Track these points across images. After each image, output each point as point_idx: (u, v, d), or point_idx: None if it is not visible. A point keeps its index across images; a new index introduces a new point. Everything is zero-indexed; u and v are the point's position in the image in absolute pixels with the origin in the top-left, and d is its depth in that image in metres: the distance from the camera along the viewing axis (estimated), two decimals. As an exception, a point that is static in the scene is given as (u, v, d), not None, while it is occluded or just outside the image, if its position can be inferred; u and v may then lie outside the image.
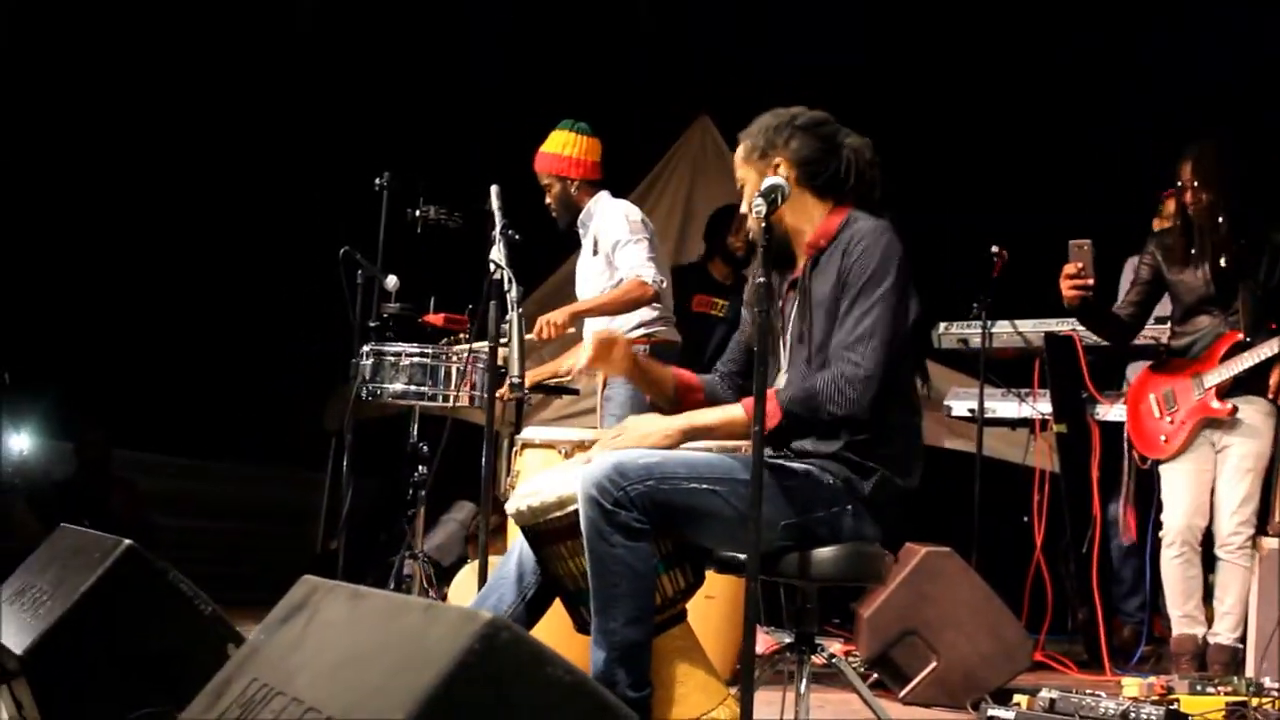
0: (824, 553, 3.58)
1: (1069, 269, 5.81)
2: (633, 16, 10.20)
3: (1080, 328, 6.82)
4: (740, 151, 3.93)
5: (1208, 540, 6.05)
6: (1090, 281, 5.84)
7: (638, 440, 3.64)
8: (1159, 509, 6.19)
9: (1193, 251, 6.02)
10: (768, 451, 3.49)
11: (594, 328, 6.36)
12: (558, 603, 3.70)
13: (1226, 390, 5.92)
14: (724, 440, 3.79)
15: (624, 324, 6.26)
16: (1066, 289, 5.83)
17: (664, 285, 6.22)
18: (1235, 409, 5.90)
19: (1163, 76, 8.28)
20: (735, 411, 3.66)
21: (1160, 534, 6.15)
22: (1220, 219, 5.96)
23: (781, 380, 3.79)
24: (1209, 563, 6.07)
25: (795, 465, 3.64)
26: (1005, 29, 8.94)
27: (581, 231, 6.48)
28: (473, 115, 9.62)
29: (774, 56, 9.15)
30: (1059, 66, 8.76)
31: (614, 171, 6.57)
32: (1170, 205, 6.99)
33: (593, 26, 9.87)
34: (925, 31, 9.19)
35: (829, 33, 9.29)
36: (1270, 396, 5.86)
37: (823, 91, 4.00)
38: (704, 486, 3.49)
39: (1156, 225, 7.14)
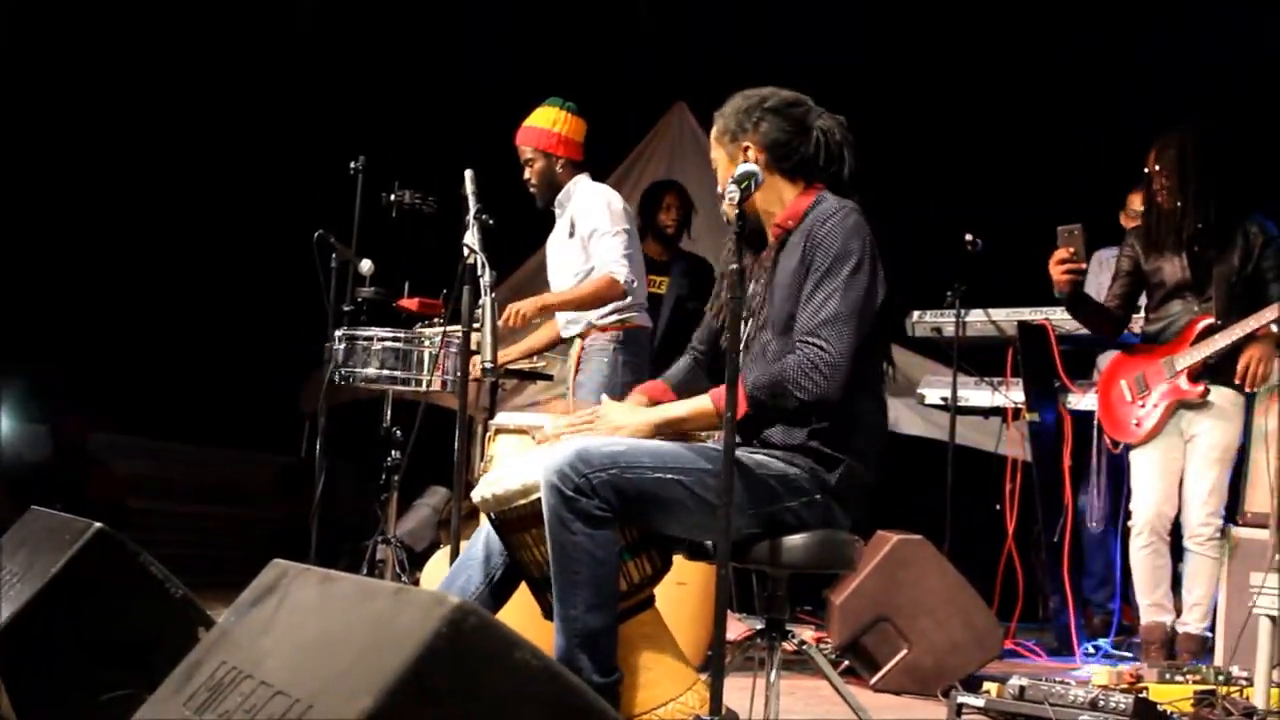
0: (795, 540, 3.58)
1: (1060, 254, 5.85)
2: (632, 16, 10.19)
3: (1053, 316, 6.85)
4: (714, 131, 3.94)
5: (1177, 529, 6.07)
6: (1083, 266, 5.91)
7: (609, 432, 3.64)
8: (1129, 497, 6.21)
9: (1167, 239, 6.04)
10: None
11: (563, 318, 6.39)
12: (527, 589, 3.70)
13: (1197, 375, 5.95)
14: (696, 431, 3.77)
15: (597, 310, 6.25)
16: (1058, 274, 5.87)
17: (634, 285, 6.21)
18: (1207, 389, 5.92)
19: (1163, 76, 8.29)
20: (704, 403, 3.65)
21: (1129, 523, 6.18)
22: (1185, 206, 5.97)
23: (743, 362, 3.79)
24: (1178, 553, 6.10)
25: (761, 456, 3.64)
26: (1005, 28, 8.95)
27: (558, 211, 6.46)
28: (466, 110, 9.61)
29: (774, 56, 9.15)
30: (1059, 66, 8.77)
31: (603, 165, 6.56)
32: (1135, 200, 7.07)
33: (592, 26, 9.87)
34: (925, 31, 9.19)
35: (829, 33, 9.29)
36: (1237, 381, 5.88)
37: (823, 91, 3.98)
38: (668, 475, 3.48)
39: (1124, 221, 7.20)
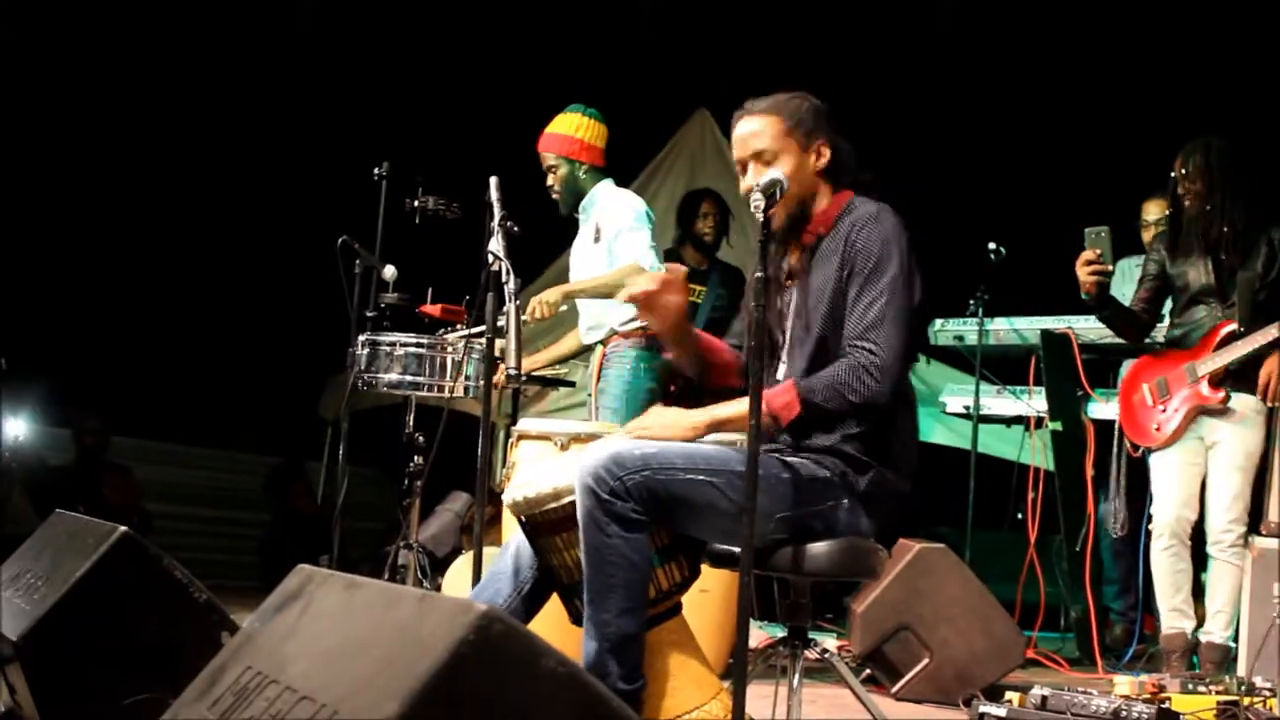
0: (818, 547, 3.57)
1: (1086, 255, 5.89)
2: (643, 24, 10.20)
3: (1076, 324, 6.84)
4: (773, 121, 3.80)
5: (1199, 537, 6.06)
6: (1109, 268, 5.92)
7: (659, 431, 3.62)
8: (1151, 504, 6.20)
9: (1193, 244, 6.04)
10: (765, 445, 3.49)
11: (588, 309, 6.38)
12: (554, 595, 3.70)
13: (1219, 381, 5.94)
14: (744, 431, 3.73)
15: (620, 314, 6.25)
16: (1084, 275, 5.90)
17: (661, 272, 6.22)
18: (1228, 396, 5.92)
19: (1182, 83, 8.26)
20: None
21: (1150, 527, 6.18)
22: (1211, 210, 5.97)
23: (781, 371, 3.78)
24: (1201, 560, 6.09)
25: (791, 459, 3.63)
26: (1007, 27, 8.94)
27: (581, 218, 6.47)
28: (474, 109, 9.63)
29: (790, 62, 9.14)
30: (1081, 72, 8.76)
31: (613, 166, 6.57)
32: (1149, 209, 7.08)
33: (594, 23, 9.88)
34: (941, 37, 9.18)
35: (828, 34, 9.30)
36: (1259, 395, 5.87)
37: (841, 99, 3.95)
38: (700, 478, 3.47)
39: (1145, 236, 7.18)
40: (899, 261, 3.60)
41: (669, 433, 3.62)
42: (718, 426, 3.65)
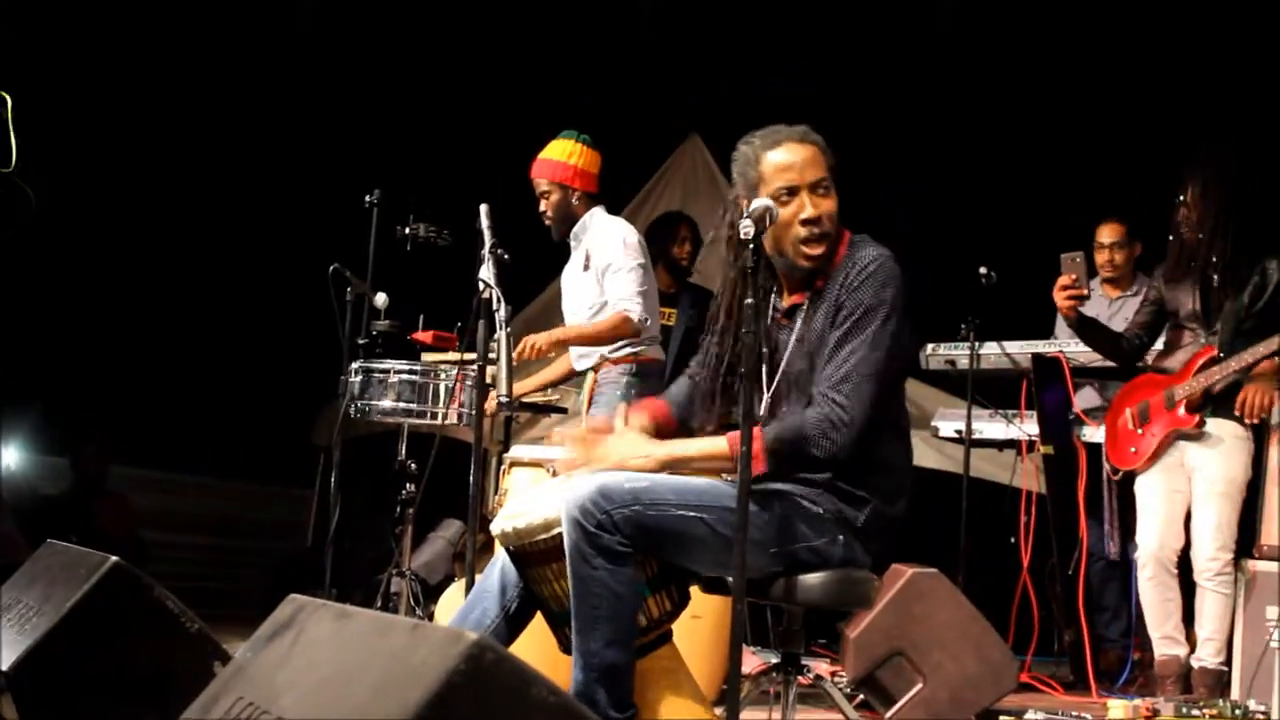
0: (812, 578, 3.56)
1: (1063, 280, 5.98)
2: (632, 36, 10.20)
3: (1068, 349, 6.86)
4: (822, 155, 3.72)
5: (1188, 562, 6.05)
6: (1085, 293, 6.03)
7: (617, 464, 3.61)
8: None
9: (1187, 271, 6.06)
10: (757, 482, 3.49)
11: (575, 352, 6.39)
12: (543, 622, 3.69)
13: (1198, 406, 5.94)
14: (704, 471, 3.68)
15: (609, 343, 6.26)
16: (1061, 300, 6.01)
17: (648, 322, 6.22)
18: (1202, 420, 5.93)
19: (1174, 106, 8.28)
20: (719, 445, 3.59)
21: (1135, 555, 6.19)
22: (1211, 238, 5.99)
23: (764, 405, 3.77)
24: (1190, 585, 6.08)
25: (785, 492, 3.61)
26: (1000, 45, 8.96)
27: (573, 244, 6.46)
28: (465, 136, 9.64)
29: (781, 86, 9.14)
30: (1072, 97, 8.77)
31: (605, 191, 6.57)
32: (1103, 234, 7.16)
33: (606, 57, 9.89)
34: (935, 62, 9.19)
35: (822, 54, 9.31)
36: (1237, 414, 5.88)
37: (831, 122, 3.92)
38: (690, 513, 3.46)
39: (1099, 258, 7.23)
40: (887, 312, 3.56)
41: (626, 466, 3.59)
42: (675, 464, 3.62)
